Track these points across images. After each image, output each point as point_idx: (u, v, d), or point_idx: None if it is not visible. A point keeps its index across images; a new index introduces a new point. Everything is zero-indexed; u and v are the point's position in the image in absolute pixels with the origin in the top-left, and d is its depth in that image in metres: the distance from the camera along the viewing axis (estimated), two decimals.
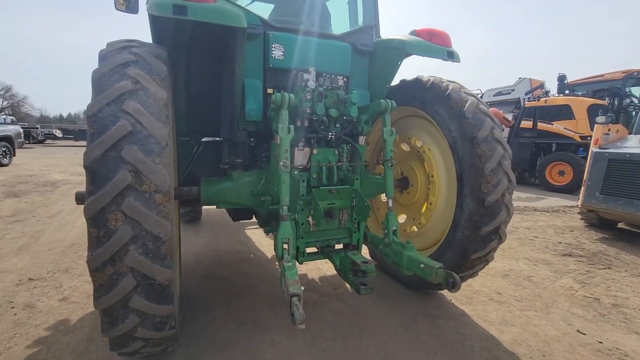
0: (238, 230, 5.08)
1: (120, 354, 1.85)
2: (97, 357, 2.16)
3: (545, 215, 6.99)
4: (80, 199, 2.16)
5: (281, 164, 2.07)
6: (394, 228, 2.50)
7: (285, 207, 2.09)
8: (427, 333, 2.55)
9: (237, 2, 2.98)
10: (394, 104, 2.47)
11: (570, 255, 4.50)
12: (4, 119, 19.59)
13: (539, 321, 2.80)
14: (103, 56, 1.81)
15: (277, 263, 3.80)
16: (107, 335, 1.66)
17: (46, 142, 28.39)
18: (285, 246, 2.07)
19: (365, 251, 3.10)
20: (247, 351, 2.27)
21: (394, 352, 2.31)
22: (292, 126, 2.13)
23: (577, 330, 2.69)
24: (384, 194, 3.07)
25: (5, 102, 48.73)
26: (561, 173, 10.32)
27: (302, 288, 1.77)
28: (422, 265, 2.20)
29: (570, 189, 9.87)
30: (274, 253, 4.08)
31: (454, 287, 1.97)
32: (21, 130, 14.31)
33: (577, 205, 5.77)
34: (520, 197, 9.00)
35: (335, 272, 3.39)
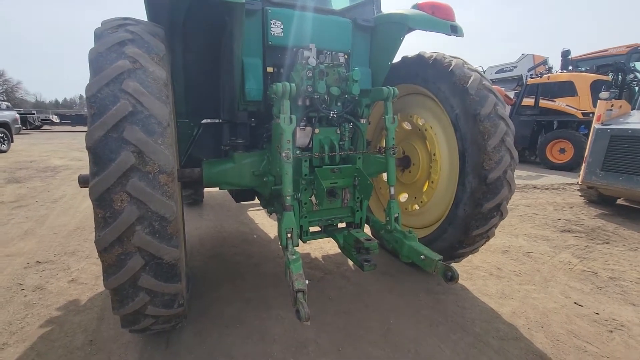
0: (240, 211, 5.12)
1: (132, 331, 1.91)
2: (108, 334, 2.22)
3: (545, 193, 7.02)
4: (83, 181, 2.17)
5: (283, 154, 2.05)
6: (396, 215, 2.52)
7: (288, 198, 2.09)
8: (428, 307, 2.62)
9: None
10: (396, 91, 2.45)
11: (569, 231, 4.55)
12: None
13: (537, 294, 2.87)
14: (99, 35, 1.76)
15: (280, 244, 3.85)
16: (118, 313, 1.71)
17: (43, 127, 28.14)
18: (289, 235, 2.09)
19: (367, 229, 3.14)
20: (254, 327, 2.33)
21: (396, 326, 2.38)
22: (294, 116, 2.09)
23: (575, 303, 2.76)
24: (385, 173, 3.07)
25: None
26: (562, 151, 10.30)
27: (307, 282, 1.80)
28: (422, 256, 2.23)
29: (571, 167, 9.88)
30: (276, 233, 4.13)
31: (452, 280, 2.00)
32: (17, 116, 14.15)
33: (577, 183, 5.79)
34: (520, 175, 9.02)
35: (337, 250, 3.45)
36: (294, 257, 1.99)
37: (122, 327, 1.82)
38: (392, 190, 2.57)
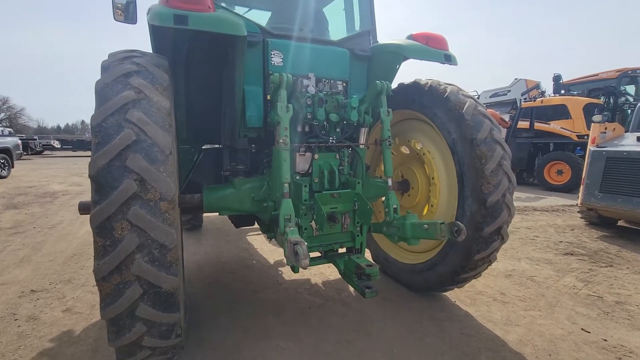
0: (240, 236, 5.08)
1: None
2: None
3: (546, 215, 7.01)
4: (83, 208, 2.17)
5: (281, 141, 2.12)
6: (395, 206, 2.54)
7: (286, 185, 2.12)
8: (432, 335, 2.55)
9: (234, 10, 3.02)
10: (389, 86, 2.54)
11: (571, 254, 4.51)
12: (2, 131, 19.55)
13: (543, 320, 2.81)
14: (105, 67, 1.83)
15: (280, 269, 3.80)
16: (113, 344, 1.66)
17: (44, 153, 28.33)
18: (288, 222, 2.08)
19: (367, 255, 3.11)
20: (253, 358, 2.26)
21: (400, 355, 2.31)
22: (290, 105, 2.18)
23: (582, 329, 2.69)
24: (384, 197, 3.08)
25: (2, 114, 48.74)
26: (559, 172, 10.38)
27: (306, 243, 1.77)
28: (425, 226, 2.24)
29: (569, 188, 9.91)
30: (276, 259, 4.09)
31: (459, 234, 2.01)
32: (19, 142, 14.29)
33: (577, 204, 5.80)
34: (519, 197, 9.03)
35: (338, 276, 3.39)
36: (292, 229, 1.98)
37: None
38: (390, 182, 2.61)
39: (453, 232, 2.05)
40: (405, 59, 2.83)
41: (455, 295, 3.20)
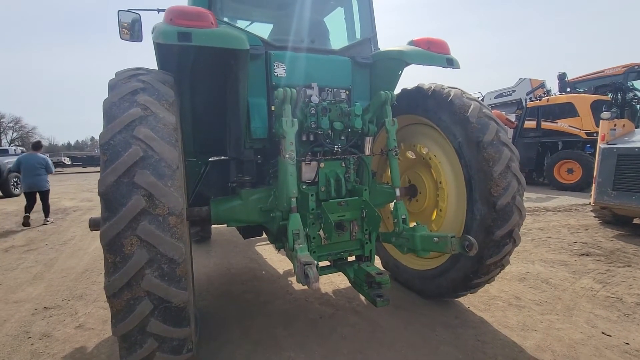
0: (248, 247, 5.08)
1: None
2: None
3: (558, 215, 6.88)
4: (93, 225, 2.19)
5: (287, 155, 2.13)
6: (404, 216, 2.52)
7: (293, 199, 2.13)
8: (447, 343, 2.50)
9: (236, 25, 3.07)
10: (394, 95, 2.55)
11: (587, 255, 4.40)
12: (14, 150, 20.04)
13: (561, 325, 2.73)
14: (112, 85, 1.86)
15: (289, 278, 3.77)
16: None
17: (55, 169, 28.86)
18: (296, 237, 2.08)
19: (377, 262, 3.07)
20: None
21: None
22: (295, 120, 2.19)
23: (602, 332, 2.61)
24: (392, 203, 3.06)
25: (15, 134, 49.98)
26: (570, 171, 10.21)
27: (316, 262, 1.76)
28: (435, 239, 2.22)
29: (581, 187, 9.74)
30: (285, 269, 4.07)
31: (470, 249, 1.99)
32: None
33: (590, 203, 5.69)
34: (530, 198, 8.89)
35: (348, 284, 3.36)
36: (301, 246, 1.99)
37: None
38: (398, 192, 2.60)
39: (464, 246, 2.02)
40: (407, 64, 2.83)
41: (468, 300, 3.14)
